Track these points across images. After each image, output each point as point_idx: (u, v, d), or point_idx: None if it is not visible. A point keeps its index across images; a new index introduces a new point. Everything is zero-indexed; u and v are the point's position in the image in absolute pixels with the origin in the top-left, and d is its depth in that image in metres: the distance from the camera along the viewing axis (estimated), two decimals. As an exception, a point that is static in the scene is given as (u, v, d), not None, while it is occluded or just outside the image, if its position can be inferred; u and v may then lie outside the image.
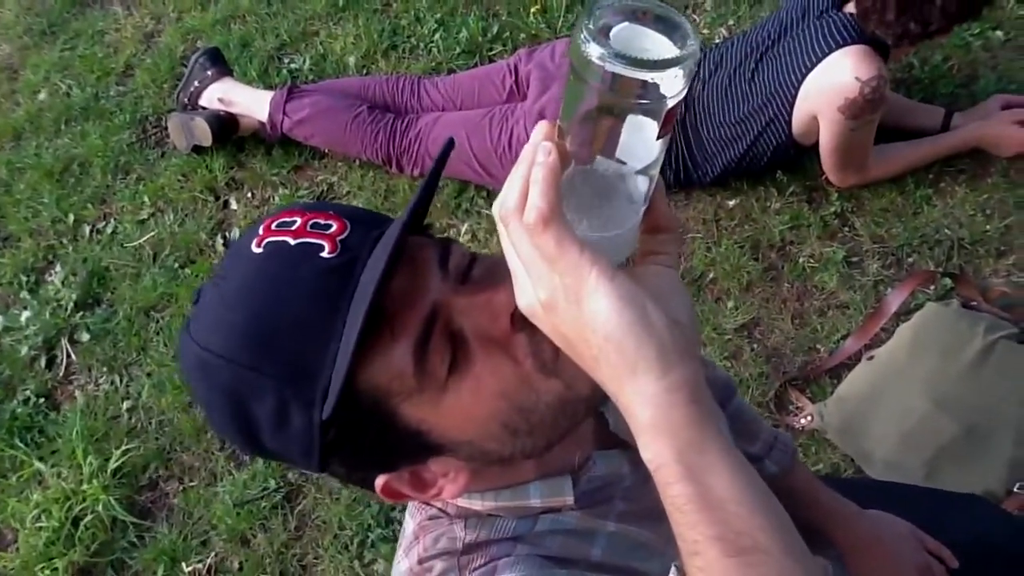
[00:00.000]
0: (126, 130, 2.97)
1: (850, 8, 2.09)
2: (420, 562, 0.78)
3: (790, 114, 2.16)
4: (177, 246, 2.65)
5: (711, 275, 2.26)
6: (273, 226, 0.69)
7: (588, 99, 0.56)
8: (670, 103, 0.55)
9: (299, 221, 0.69)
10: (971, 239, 2.19)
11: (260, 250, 0.67)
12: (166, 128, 2.89)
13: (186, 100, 2.79)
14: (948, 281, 2.11)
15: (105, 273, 2.65)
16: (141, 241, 2.68)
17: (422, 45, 2.94)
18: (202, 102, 2.76)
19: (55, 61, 3.28)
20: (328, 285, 0.65)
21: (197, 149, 2.78)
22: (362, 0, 3.09)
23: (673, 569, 0.63)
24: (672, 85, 0.54)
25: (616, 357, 0.56)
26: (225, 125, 2.73)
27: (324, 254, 0.66)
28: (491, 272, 0.70)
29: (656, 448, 0.56)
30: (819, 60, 2.07)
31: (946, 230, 2.22)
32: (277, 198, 2.69)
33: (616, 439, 0.86)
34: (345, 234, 0.68)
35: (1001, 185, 2.26)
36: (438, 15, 2.98)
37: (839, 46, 2.04)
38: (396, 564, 0.83)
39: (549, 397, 0.68)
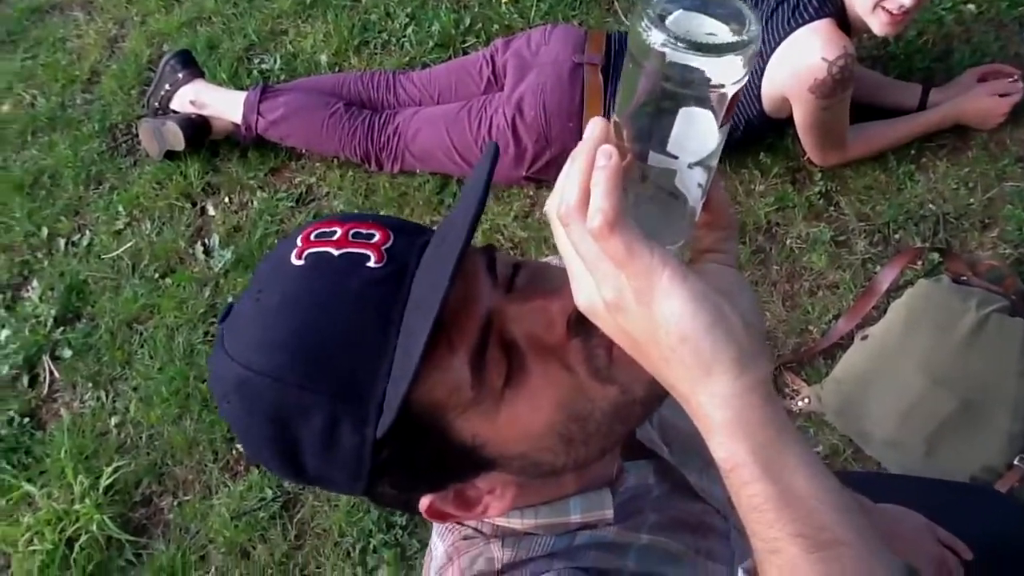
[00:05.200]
0: (96, 139, 2.90)
1: None
2: None
3: (758, 88, 2.15)
4: (156, 255, 2.60)
5: (700, 261, 2.25)
6: (312, 236, 0.66)
7: (649, 88, 0.54)
8: (731, 89, 0.54)
9: (339, 231, 0.66)
10: (956, 213, 2.21)
11: (301, 262, 0.65)
12: (137, 135, 2.83)
13: (156, 105, 2.73)
14: (936, 256, 2.12)
15: (83, 287, 2.59)
16: (118, 252, 2.63)
17: (394, 40, 2.90)
18: (173, 106, 2.70)
19: (16, 71, 3.20)
20: (378, 296, 0.63)
21: (170, 155, 2.72)
22: (330, -4, 3.05)
23: (740, 572, 0.62)
24: (733, 71, 0.53)
25: (691, 358, 0.55)
26: (198, 128, 2.67)
27: (370, 264, 0.64)
28: (536, 278, 0.69)
29: (732, 447, 0.56)
30: (783, 38, 2.07)
31: (930, 205, 2.23)
32: (256, 202, 2.64)
33: (642, 448, 0.85)
34: (389, 243, 0.66)
35: (982, 158, 2.27)
36: (408, 9, 2.94)
37: (805, 22, 2.04)
38: None
39: (605, 404, 0.66)
